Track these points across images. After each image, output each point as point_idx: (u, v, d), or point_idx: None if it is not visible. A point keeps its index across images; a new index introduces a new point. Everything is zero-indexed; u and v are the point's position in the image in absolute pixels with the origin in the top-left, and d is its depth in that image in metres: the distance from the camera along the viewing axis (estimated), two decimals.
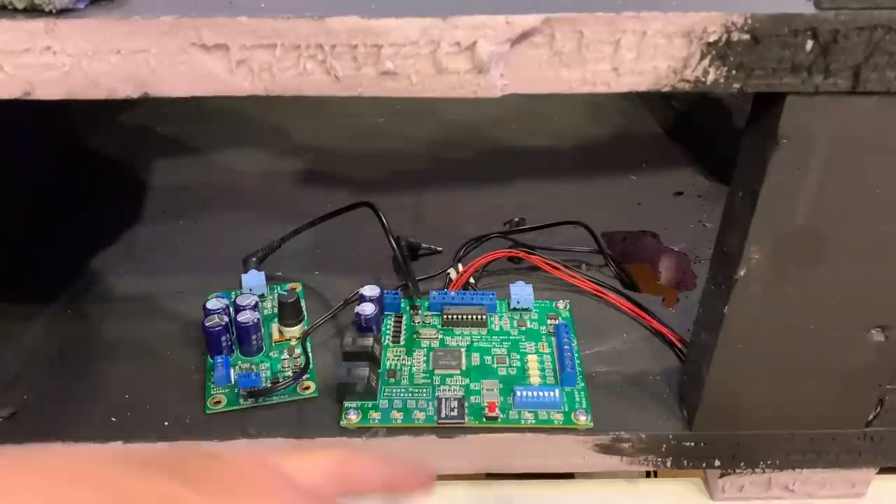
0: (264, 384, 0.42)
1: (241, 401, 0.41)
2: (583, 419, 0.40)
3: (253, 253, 0.49)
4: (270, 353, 0.44)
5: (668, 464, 0.41)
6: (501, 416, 0.40)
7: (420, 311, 0.47)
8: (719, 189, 0.57)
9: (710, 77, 0.28)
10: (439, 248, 0.52)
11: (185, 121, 0.64)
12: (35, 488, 0.22)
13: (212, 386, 0.42)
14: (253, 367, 0.43)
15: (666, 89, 0.29)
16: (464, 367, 0.43)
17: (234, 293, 0.47)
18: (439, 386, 0.42)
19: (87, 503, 0.22)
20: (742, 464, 0.40)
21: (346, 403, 0.41)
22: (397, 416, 0.40)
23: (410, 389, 0.42)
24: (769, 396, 0.38)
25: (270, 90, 0.29)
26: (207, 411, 0.41)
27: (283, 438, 0.40)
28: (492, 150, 0.62)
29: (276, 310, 0.46)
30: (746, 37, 0.27)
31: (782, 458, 0.40)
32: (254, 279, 0.48)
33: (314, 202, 0.53)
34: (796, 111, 0.29)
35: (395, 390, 0.42)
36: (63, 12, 0.27)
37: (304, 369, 0.42)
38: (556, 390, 0.41)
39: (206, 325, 0.43)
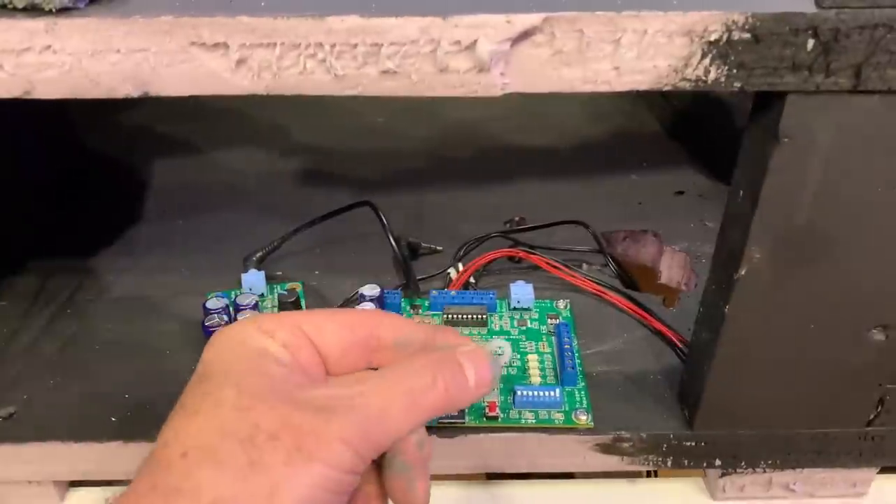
0: None
1: None
2: (583, 419, 0.40)
3: (253, 252, 0.49)
4: None
5: (669, 463, 0.41)
6: (502, 415, 0.40)
7: (420, 311, 0.47)
8: (720, 188, 0.57)
9: (711, 76, 0.28)
10: (439, 248, 0.52)
11: (185, 120, 0.64)
12: None
13: None
14: None
15: (667, 88, 0.29)
16: None
17: (234, 293, 0.47)
18: None
19: None
20: (743, 463, 0.40)
21: None
22: None
23: None
24: (770, 396, 0.38)
25: (271, 89, 0.29)
26: None
27: None
28: (492, 149, 0.62)
29: (276, 309, 0.46)
30: (747, 36, 0.27)
31: (783, 458, 0.40)
32: (254, 279, 0.48)
33: (314, 202, 0.53)
34: (797, 110, 0.29)
35: None
36: (63, 11, 0.27)
37: None
38: (557, 390, 0.41)
39: (206, 324, 0.43)
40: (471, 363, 0.28)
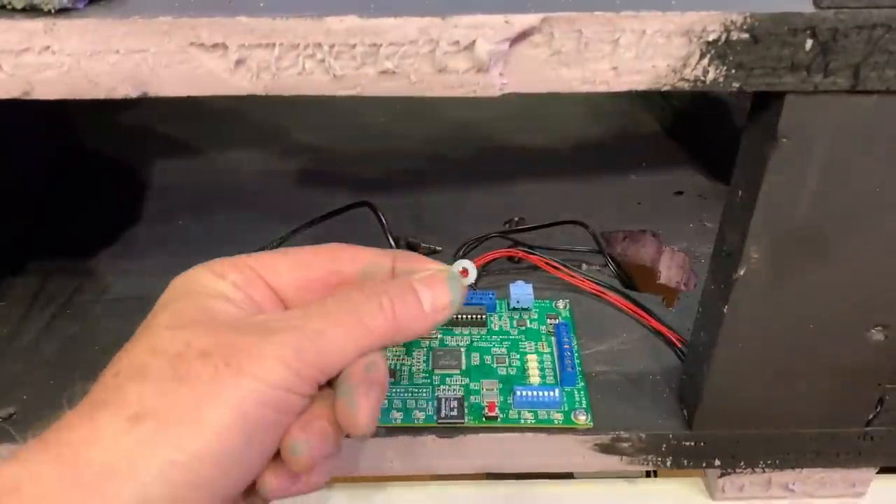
0: None
1: None
2: (582, 419, 0.40)
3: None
4: None
5: (668, 463, 0.41)
6: (501, 415, 0.40)
7: None
8: (719, 188, 0.57)
9: (710, 76, 0.28)
10: (439, 248, 0.52)
11: (185, 121, 0.64)
12: None
13: None
14: None
15: (665, 88, 0.29)
16: (463, 367, 0.43)
17: None
18: (439, 386, 0.42)
19: None
20: (742, 463, 0.40)
21: None
22: (397, 416, 0.40)
23: (410, 389, 0.42)
24: (769, 396, 0.38)
25: (270, 90, 0.29)
26: None
27: None
28: (491, 149, 0.62)
29: None
30: (746, 36, 0.27)
31: (782, 458, 0.40)
32: None
33: (314, 202, 0.53)
34: (796, 110, 0.29)
35: (394, 390, 0.42)
36: (62, 12, 0.27)
37: None
38: (556, 390, 0.41)
39: None
40: (426, 287, 0.28)
